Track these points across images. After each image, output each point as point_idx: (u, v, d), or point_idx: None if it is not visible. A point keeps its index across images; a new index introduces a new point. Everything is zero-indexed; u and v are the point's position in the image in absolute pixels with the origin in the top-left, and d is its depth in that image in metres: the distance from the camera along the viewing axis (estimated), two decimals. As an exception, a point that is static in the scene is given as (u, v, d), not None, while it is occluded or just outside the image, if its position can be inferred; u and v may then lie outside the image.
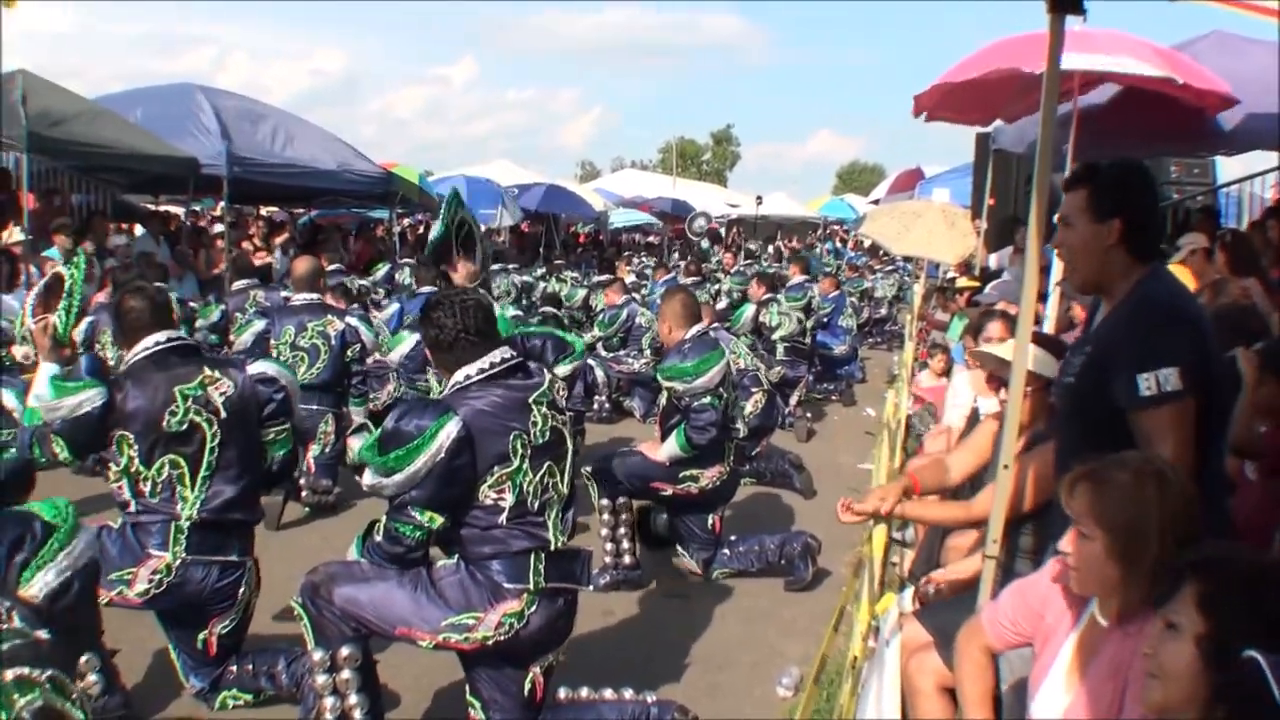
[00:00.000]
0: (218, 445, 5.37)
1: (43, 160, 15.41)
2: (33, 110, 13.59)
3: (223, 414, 5.40)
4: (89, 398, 5.17)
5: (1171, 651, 2.56)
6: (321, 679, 4.79)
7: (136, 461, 5.26)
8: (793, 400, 13.87)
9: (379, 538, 4.78)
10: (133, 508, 5.33)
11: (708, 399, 7.35)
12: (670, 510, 7.82)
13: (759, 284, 15.69)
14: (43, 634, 2.12)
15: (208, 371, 5.45)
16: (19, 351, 9.72)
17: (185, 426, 5.29)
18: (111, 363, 9.02)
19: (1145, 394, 3.42)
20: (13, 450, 6.42)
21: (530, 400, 4.77)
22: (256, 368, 5.72)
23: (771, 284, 15.68)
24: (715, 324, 11.62)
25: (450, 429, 4.53)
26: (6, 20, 14.83)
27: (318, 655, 4.79)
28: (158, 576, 5.25)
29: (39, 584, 2.22)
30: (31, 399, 5.37)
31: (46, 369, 5.29)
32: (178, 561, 5.28)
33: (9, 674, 2.01)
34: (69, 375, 5.27)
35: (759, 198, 41.71)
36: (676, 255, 33.75)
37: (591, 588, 5.75)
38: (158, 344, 5.43)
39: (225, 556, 5.40)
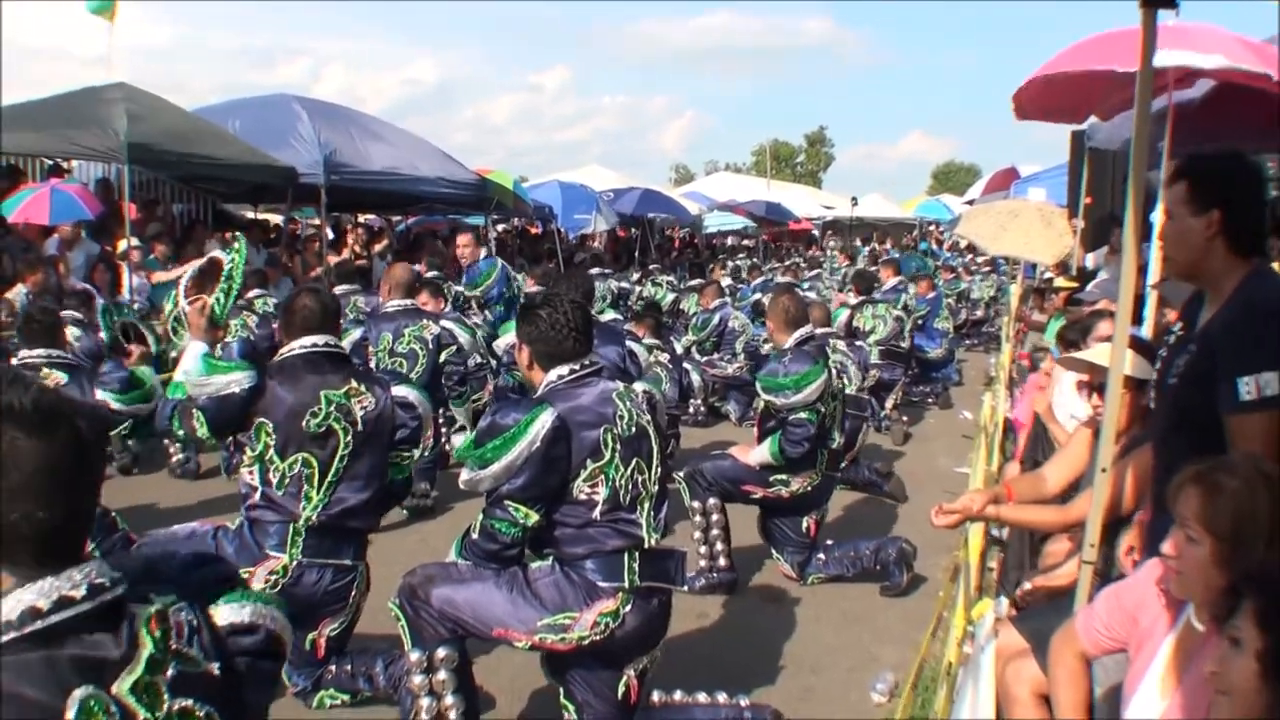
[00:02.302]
0: (348, 455, 5.46)
1: (143, 171, 15.71)
2: (133, 122, 13.83)
3: (359, 427, 5.50)
4: (239, 379, 5.30)
5: (1236, 668, 2.56)
6: (418, 679, 4.84)
7: (272, 450, 5.37)
8: (888, 403, 13.77)
9: (475, 535, 4.85)
10: (257, 497, 5.43)
11: (805, 414, 7.32)
12: (764, 513, 7.80)
13: (855, 286, 15.61)
14: (215, 669, 2.12)
15: (354, 384, 5.57)
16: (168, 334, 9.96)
17: (323, 430, 5.39)
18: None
19: (1245, 398, 3.34)
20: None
21: (615, 395, 4.82)
22: (399, 391, 5.84)
23: (868, 286, 15.59)
24: (824, 327, 11.53)
25: (545, 419, 4.60)
26: (108, 34, 15.18)
27: (415, 656, 4.85)
28: (274, 577, 5.34)
29: (228, 613, 2.22)
30: (179, 373, 5.53)
31: (196, 347, 5.46)
32: (294, 563, 5.38)
33: (178, 703, 2.02)
34: (221, 355, 5.39)
35: (854, 199, 41.52)
36: (774, 260, 33.66)
37: (686, 589, 5.76)
38: (315, 346, 5.53)
39: (339, 560, 5.50)
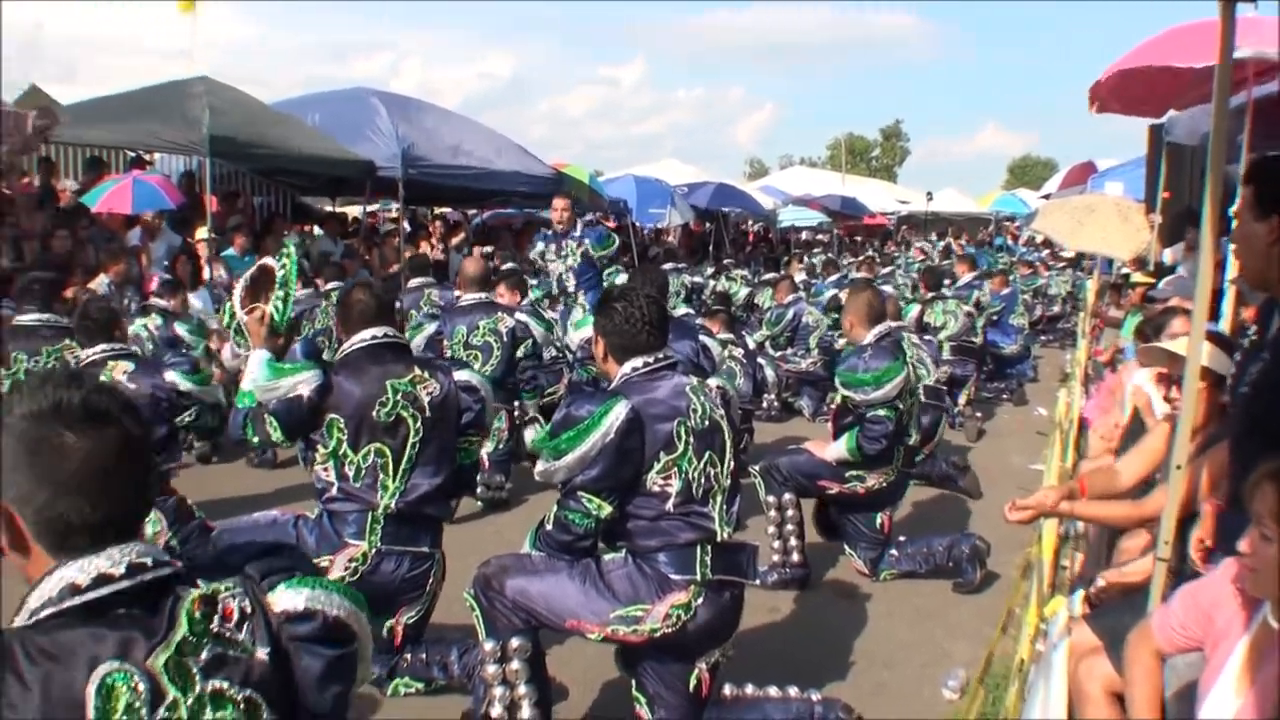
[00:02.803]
0: (419, 441, 5.53)
1: (224, 164, 15.91)
2: (215, 116, 13.99)
3: (427, 413, 5.56)
4: (305, 379, 5.37)
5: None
6: (492, 669, 4.90)
7: (345, 444, 5.44)
8: (961, 399, 13.67)
9: (549, 526, 4.91)
10: (334, 491, 5.50)
11: (884, 411, 7.29)
12: (837, 509, 7.79)
13: (924, 282, 15.54)
14: (263, 654, 2.14)
15: (418, 371, 5.63)
16: (226, 350, 10.05)
17: (392, 419, 5.46)
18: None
19: None
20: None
21: (688, 389, 4.84)
22: (462, 376, 5.90)
23: (937, 282, 15.51)
24: (895, 321, 11.49)
25: (619, 411, 4.64)
26: (189, 27, 15.37)
27: (489, 645, 4.90)
28: (354, 565, 5.42)
29: (284, 599, 2.24)
30: (246, 382, 5.56)
31: (259, 355, 5.50)
32: (373, 550, 5.45)
33: (210, 684, 2.05)
34: (285, 358, 5.47)
35: (929, 194, 41.28)
36: (848, 255, 33.51)
37: (759, 583, 5.77)
38: (374, 338, 5.61)
39: (417, 547, 5.57)
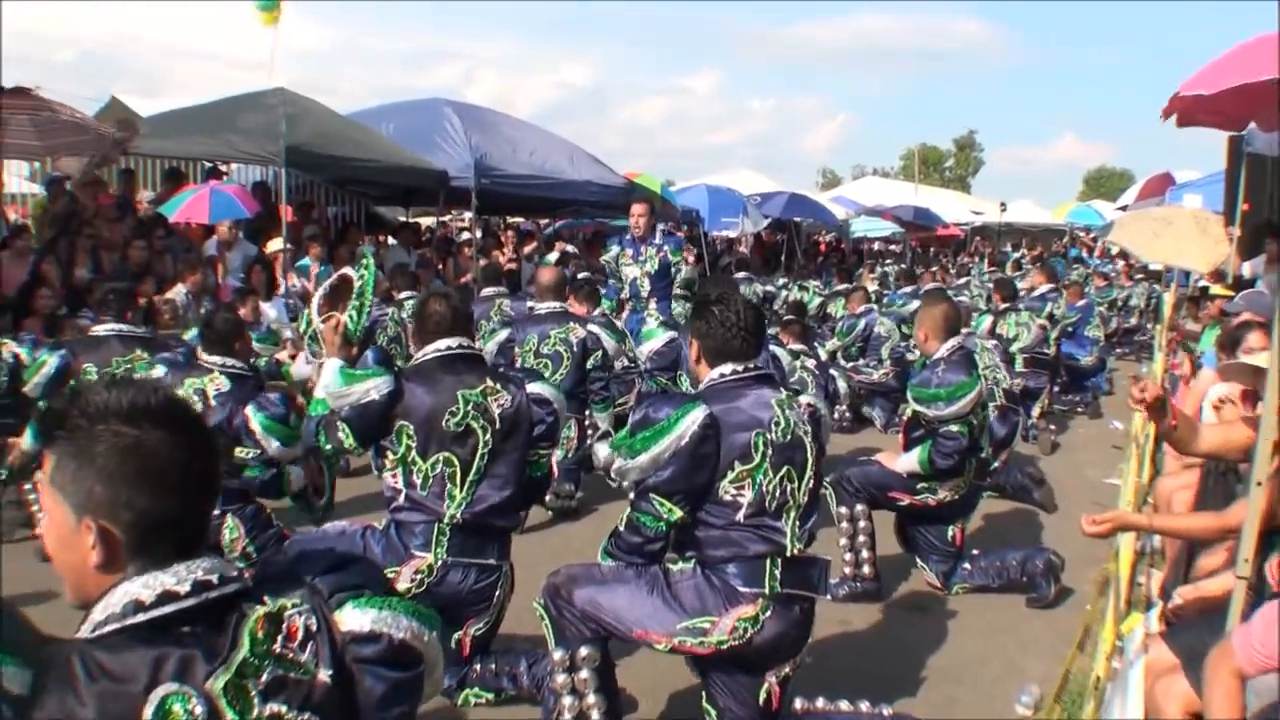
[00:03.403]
0: (488, 453, 5.53)
1: (299, 174, 16.03)
2: (291, 127, 14.15)
3: (497, 425, 5.56)
4: (376, 385, 5.39)
5: None
6: (561, 678, 4.90)
7: (414, 452, 5.45)
8: (1034, 412, 13.53)
9: (621, 528, 4.93)
10: (401, 500, 5.51)
11: (957, 426, 7.21)
12: (909, 521, 7.73)
13: (997, 293, 15.43)
14: (325, 676, 2.14)
15: (490, 382, 5.63)
16: (300, 360, 10.12)
17: (462, 429, 5.46)
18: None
19: None
20: (257, 469, 6.73)
21: (774, 401, 4.81)
22: (535, 388, 5.87)
23: (1011, 293, 15.38)
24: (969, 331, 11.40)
25: (696, 416, 4.64)
26: (269, 39, 15.51)
27: (558, 655, 4.91)
28: (420, 576, 5.42)
29: (351, 619, 2.23)
30: (319, 390, 5.62)
31: (332, 362, 5.56)
32: (439, 562, 5.44)
33: (269, 708, 2.05)
34: (356, 364, 5.50)
35: (1003, 204, 40.96)
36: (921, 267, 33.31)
37: (829, 597, 5.74)
38: (449, 349, 5.62)
39: (484, 559, 5.55)
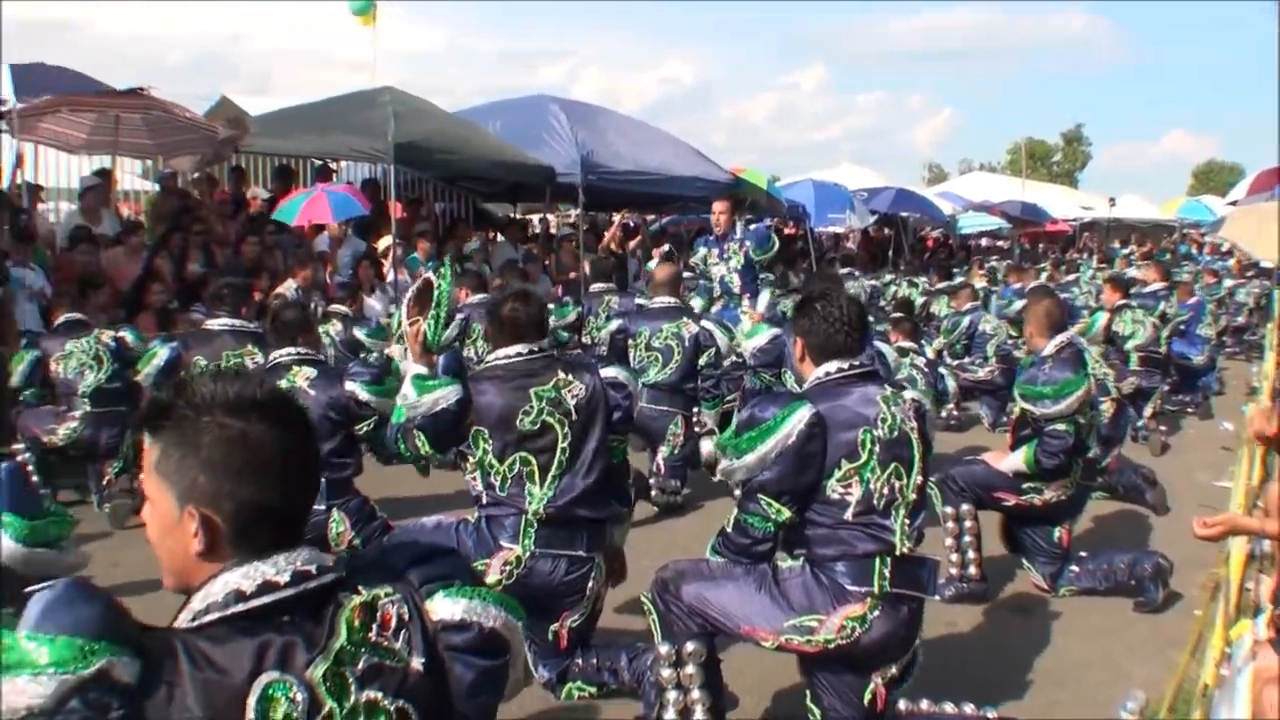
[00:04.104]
0: (568, 445, 5.52)
1: (408, 171, 16.19)
2: (400, 124, 14.32)
3: (574, 416, 5.55)
4: (445, 395, 5.42)
5: None
6: (666, 673, 4.94)
7: (490, 455, 5.46)
8: (1146, 412, 13.30)
9: (729, 530, 4.94)
10: (485, 500, 5.55)
11: (1063, 425, 7.17)
12: (1016, 522, 7.69)
13: (1112, 290, 15.24)
14: (417, 663, 2.19)
15: (561, 374, 5.62)
16: (396, 350, 10.25)
17: (538, 426, 5.47)
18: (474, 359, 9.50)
19: None
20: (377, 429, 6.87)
21: (880, 398, 4.82)
22: (608, 373, 5.87)
23: (1125, 290, 15.18)
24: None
25: (802, 415, 4.65)
26: (371, 39, 15.71)
27: (664, 650, 4.96)
28: (508, 568, 5.44)
29: (442, 608, 2.27)
30: (399, 397, 5.69)
31: (413, 369, 5.60)
32: (527, 554, 5.45)
33: (365, 694, 2.10)
34: (430, 374, 5.57)
35: (1111, 199, 40.44)
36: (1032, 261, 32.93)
37: (936, 597, 5.72)
38: (518, 354, 5.63)
39: (573, 551, 5.54)
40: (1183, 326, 16.04)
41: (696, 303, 12.29)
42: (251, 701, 1.96)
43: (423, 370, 5.58)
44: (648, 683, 5.15)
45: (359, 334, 11.23)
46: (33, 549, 3.11)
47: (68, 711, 1.85)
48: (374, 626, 2.16)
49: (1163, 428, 13.43)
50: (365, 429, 7.04)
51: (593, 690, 5.65)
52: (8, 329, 9.87)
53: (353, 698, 2.07)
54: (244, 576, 2.05)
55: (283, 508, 2.13)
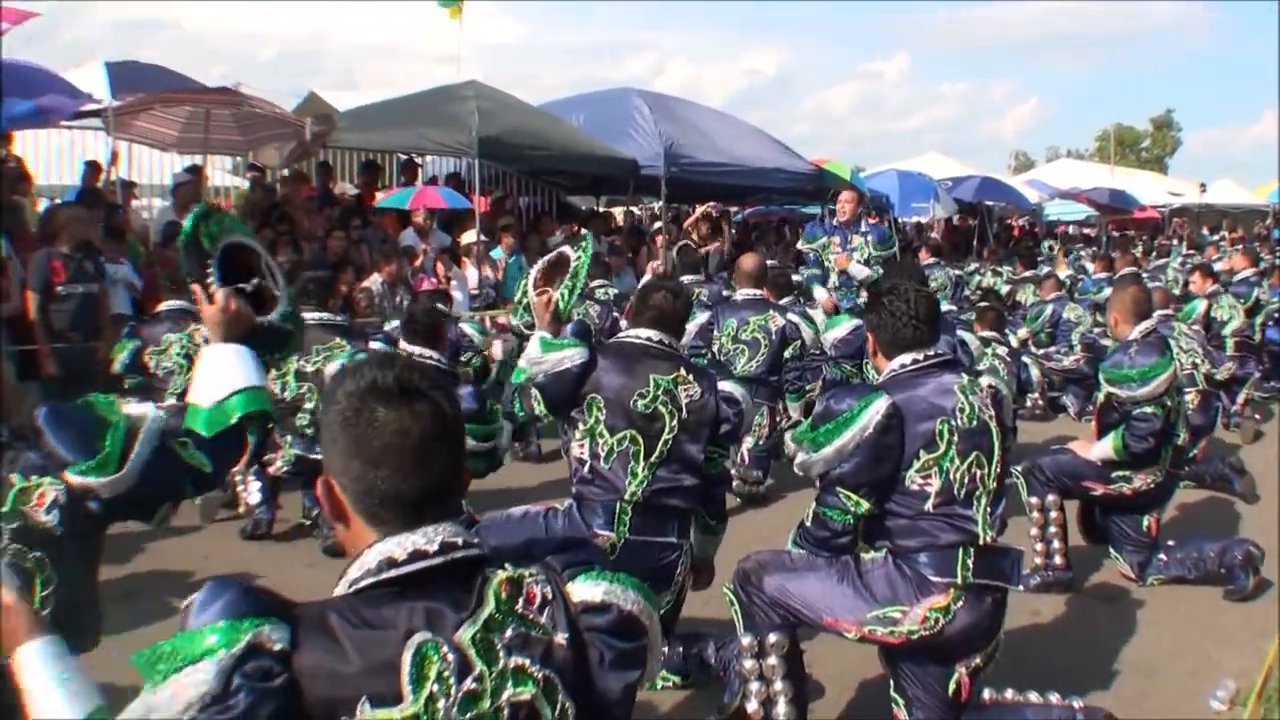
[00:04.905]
0: (672, 439, 5.55)
1: (492, 165, 16.31)
2: (483, 118, 14.44)
3: (683, 413, 5.58)
4: (571, 355, 5.51)
5: None
6: (749, 664, 4.97)
7: (602, 425, 5.52)
8: (1239, 399, 13.15)
9: (809, 523, 4.97)
10: (585, 470, 5.59)
11: (1151, 408, 7.11)
12: (1103, 511, 7.64)
13: (1203, 278, 15.06)
14: (561, 638, 2.25)
15: (682, 372, 5.67)
16: (497, 349, 10.38)
17: (650, 411, 5.51)
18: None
19: None
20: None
21: (956, 387, 4.82)
22: (725, 386, 5.88)
23: (1215, 276, 15.00)
24: (1167, 311, 11.15)
25: (878, 406, 4.66)
26: (457, 32, 15.82)
27: (746, 640, 4.98)
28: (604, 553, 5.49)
29: (583, 590, 2.34)
30: (522, 360, 5.82)
31: (538, 334, 5.70)
32: (621, 541, 5.50)
33: (513, 660, 2.17)
34: (556, 335, 5.64)
35: (1202, 185, 39.86)
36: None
37: (1021, 587, 5.70)
38: (649, 339, 5.70)
39: (664, 537, 5.58)
40: (1276, 314, 15.83)
41: (819, 292, 12.44)
42: (407, 657, 2.06)
43: (545, 335, 5.67)
44: (732, 672, 5.18)
45: (466, 328, 11.32)
46: (115, 475, 3.19)
47: (234, 691, 1.97)
48: (520, 600, 2.23)
49: (1256, 415, 13.25)
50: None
51: (678, 679, 5.71)
52: (105, 323, 10.12)
53: (501, 662, 2.16)
54: (396, 545, 2.16)
55: (411, 491, 2.20)
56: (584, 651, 2.31)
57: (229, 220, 4.02)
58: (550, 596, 2.29)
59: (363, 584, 2.14)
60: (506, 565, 2.28)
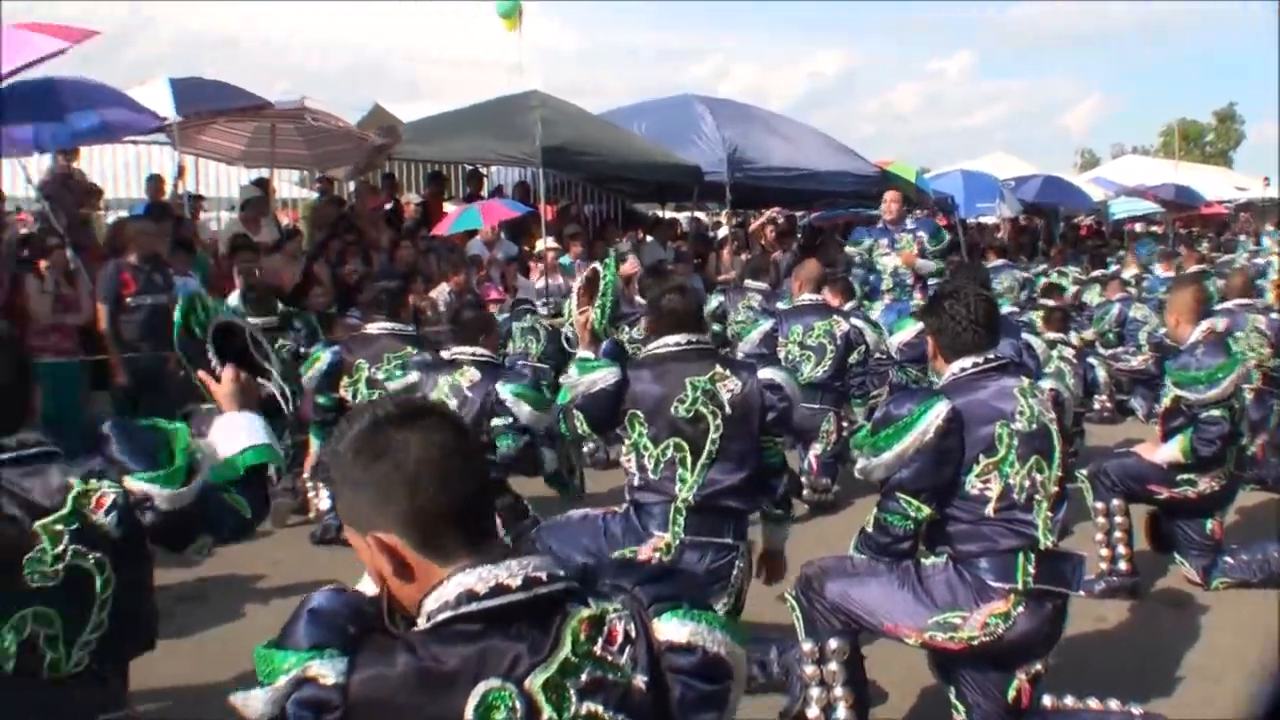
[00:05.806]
0: (719, 438, 5.54)
1: (557, 174, 16.43)
2: (547, 128, 14.54)
3: (727, 410, 5.57)
4: (604, 376, 5.55)
5: None
6: (810, 669, 5.02)
7: (645, 438, 5.55)
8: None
9: (869, 528, 4.99)
10: (636, 482, 5.63)
11: (1218, 411, 7.09)
12: (1167, 514, 7.61)
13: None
14: (641, 680, 2.22)
15: (718, 369, 5.66)
16: (565, 329, 10.52)
17: (691, 415, 5.52)
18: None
19: None
20: (508, 438, 7.00)
21: (1016, 391, 4.83)
22: (766, 374, 5.86)
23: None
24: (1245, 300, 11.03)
25: (939, 410, 4.69)
26: (514, 41, 15.91)
27: (807, 646, 5.03)
28: (658, 555, 5.49)
29: (669, 630, 2.32)
30: (564, 379, 5.90)
31: (580, 354, 5.80)
32: (676, 541, 5.51)
33: (585, 706, 2.15)
34: (595, 354, 5.74)
35: (1266, 179, 39.37)
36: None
37: (1083, 593, 5.71)
38: (678, 344, 5.70)
39: (720, 539, 5.59)
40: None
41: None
42: (471, 703, 2.06)
43: (589, 355, 5.76)
44: (793, 678, 5.24)
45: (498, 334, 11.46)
46: (180, 489, 3.31)
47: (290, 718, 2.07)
48: (599, 640, 2.20)
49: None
50: (500, 441, 7.12)
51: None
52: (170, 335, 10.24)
53: (572, 709, 2.13)
54: (477, 578, 2.13)
55: (450, 505, 2.17)
56: (664, 692, 2.28)
57: (212, 305, 4.20)
58: (634, 634, 2.25)
59: (440, 618, 2.12)
60: (590, 601, 2.24)
